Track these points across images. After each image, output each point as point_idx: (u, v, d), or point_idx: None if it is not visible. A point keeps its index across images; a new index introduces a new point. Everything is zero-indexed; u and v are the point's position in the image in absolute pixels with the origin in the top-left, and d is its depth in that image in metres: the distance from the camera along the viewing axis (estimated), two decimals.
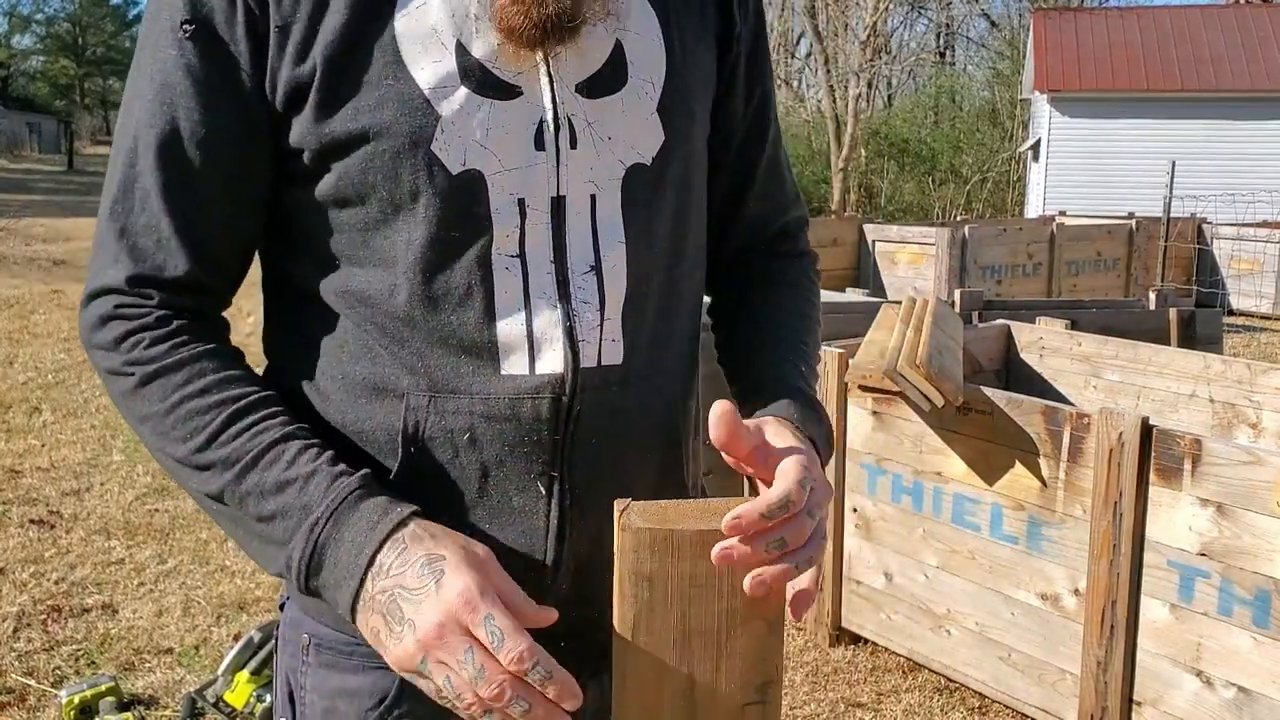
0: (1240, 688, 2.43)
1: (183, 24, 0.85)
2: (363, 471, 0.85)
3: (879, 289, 8.67)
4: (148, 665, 3.21)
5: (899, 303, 3.59)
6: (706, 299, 1.10)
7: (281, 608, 1.03)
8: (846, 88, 22.24)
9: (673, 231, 0.96)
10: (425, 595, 0.77)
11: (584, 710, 0.86)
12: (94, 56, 62.00)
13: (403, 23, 0.86)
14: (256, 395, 0.87)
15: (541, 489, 0.91)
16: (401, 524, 0.81)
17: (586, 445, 0.91)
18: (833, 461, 3.27)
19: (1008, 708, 3.00)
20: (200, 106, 0.86)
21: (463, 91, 0.86)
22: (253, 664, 2.85)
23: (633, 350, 0.92)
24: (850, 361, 3.09)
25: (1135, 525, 2.56)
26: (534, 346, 0.89)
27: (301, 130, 0.86)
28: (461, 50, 0.86)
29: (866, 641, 3.35)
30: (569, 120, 0.89)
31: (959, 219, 17.91)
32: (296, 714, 0.99)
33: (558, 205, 0.89)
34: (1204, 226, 11.13)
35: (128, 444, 5.33)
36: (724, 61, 1.01)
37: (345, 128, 0.85)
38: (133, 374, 0.87)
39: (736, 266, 1.12)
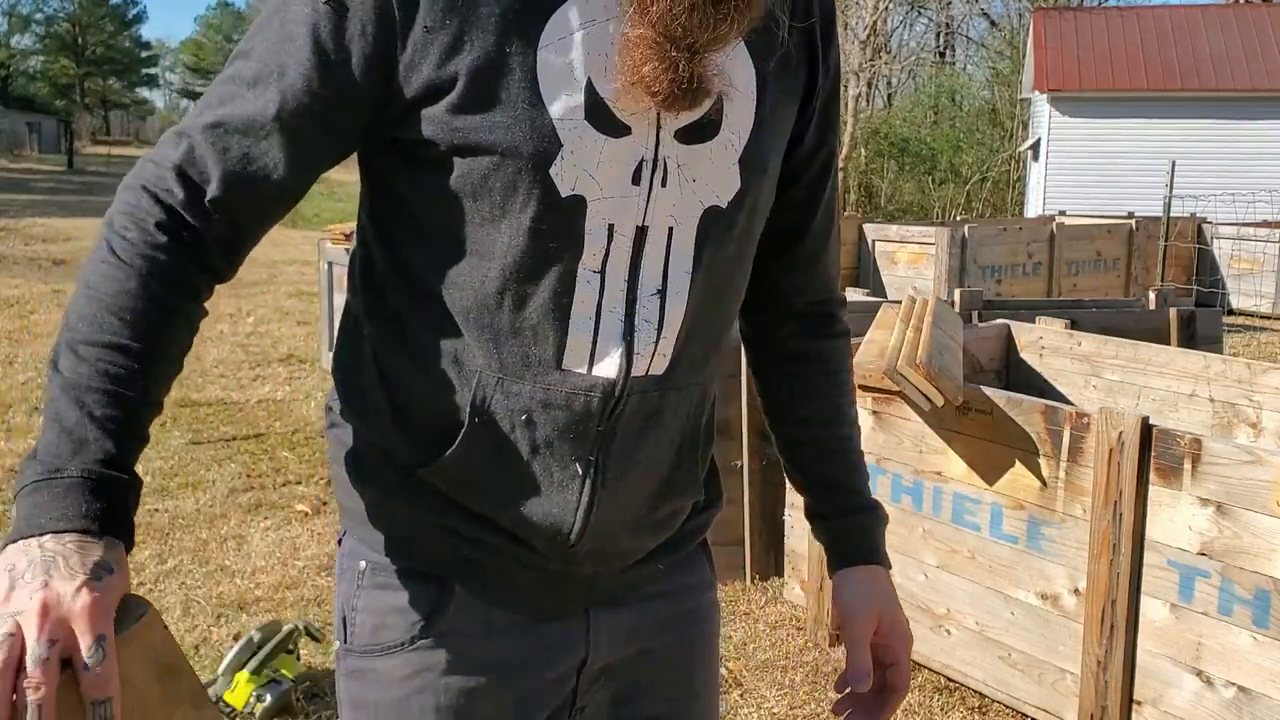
0: (1240, 687, 2.43)
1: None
2: (126, 476, 0.87)
3: (879, 289, 8.67)
4: None
5: (899, 302, 3.59)
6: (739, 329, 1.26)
7: (339, 542, 1.13)
8: (846, 87, 22.23)
9: (730, 269, 1.07)
10: (73, 577, 0.79)
11: (598, 635, 1.11)
12: (94, 56, 62.00)
13: (545, 53, 0.93)
14: (157, 357, 0.91)
15: (579, 469, 1.03)
16: (112, 539, 0.84)
17: (623, 436, 1.03)
18: None
19: (1007, 707, 3.00)
20: (305, 74, 0.92)
21: (585, 125, 0.94)
22: (253, 664, 2.85)
23: (676, 364, 1.04)
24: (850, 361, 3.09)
25: (1135, 525, 2.56)
26: (595, 352, 1.00)
27: (433, 125, 0.93)
28: (590, 88, 0.94)
29: None
30: (664, 161, 0.98)
31: (959, 218, 17.92)
32: (348, 635, 1.09)
33: (640, 234, 0.99)
34: (1204, 226, 11.14)
35: None
36: (802, 115, 1.11)
37: (477, 137, 0.93)
38: (105, 247, 0.92)
39: (791, 339, 1.24)
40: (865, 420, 3.21)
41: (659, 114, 0.97)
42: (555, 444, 1.02)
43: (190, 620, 3.49)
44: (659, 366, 1.02)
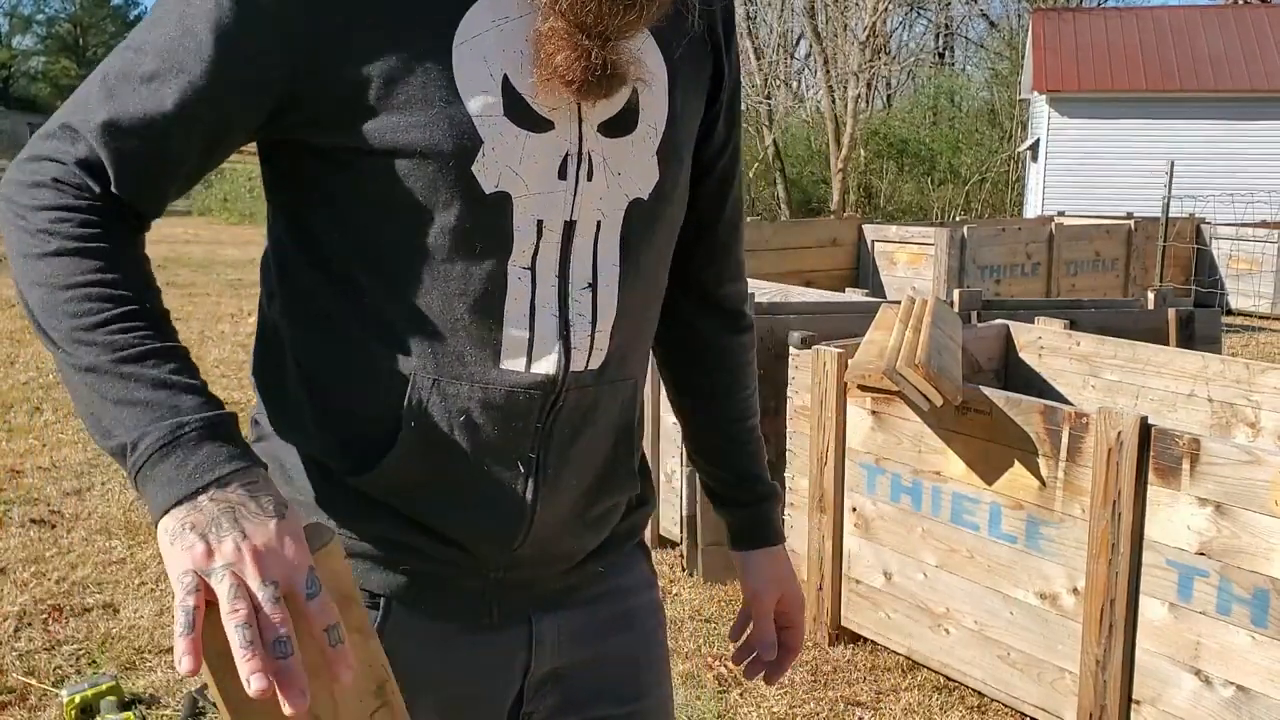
0: (1239, 686, 2.44)
1: None
2: (229, 410, 0.89)
3: (878, 289, 8.67)
4: (149, 664, 3.21)
5: (898, 303, 3.60)
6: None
7: None
8: (846, 88, 22.23)
9: (654, 261, 1.09)
10: (264, 520, 0.82)
11: (541, 640, 1.11)
12: (95, 57, 61.90)
13: (460, 50, 0.93)
14: (160, 311, 0.91)
15: (521, 467, 1.03)
16: (260, 466, 0.86)
17: (562, 433, 1.04)
18: (832, 461, 3.28)
19: (1007, 706, 3.00)
20: (206, 71, 0.90)
21: (504, 122, 0.95)
22: None
23: (610, 357, 1.05)
24: (850, 361, 3.10)
25: (1134, 524, 2.56)
26: (533, 349, 1.00)
27: (350, 127, 0.93)
28: (507, 83, 0.95)
29: (865, 640, 3.36)
30: (589, 155, 0.99)
31: (958, 219, 17.92)
32: None
33: (569, 229, 1.00)
34: (1202, 226, 11.14)
35: None
36: (710, 109, 1.14)
37: (395, 137, 0.92)
38: (47, 243, 0.89)
39: (706, 333, 1.28)
40: (865, 420, 3.22)
41: (580, 107, 0.98)
42: (496, 444, 1.01)
43: None
44: (595, 361, 1.03)
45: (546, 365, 1.00)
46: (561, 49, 0.93)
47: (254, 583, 0.79)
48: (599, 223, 1.01)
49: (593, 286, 1.01)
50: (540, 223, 0.98)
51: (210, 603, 0.79)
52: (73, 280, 0.88)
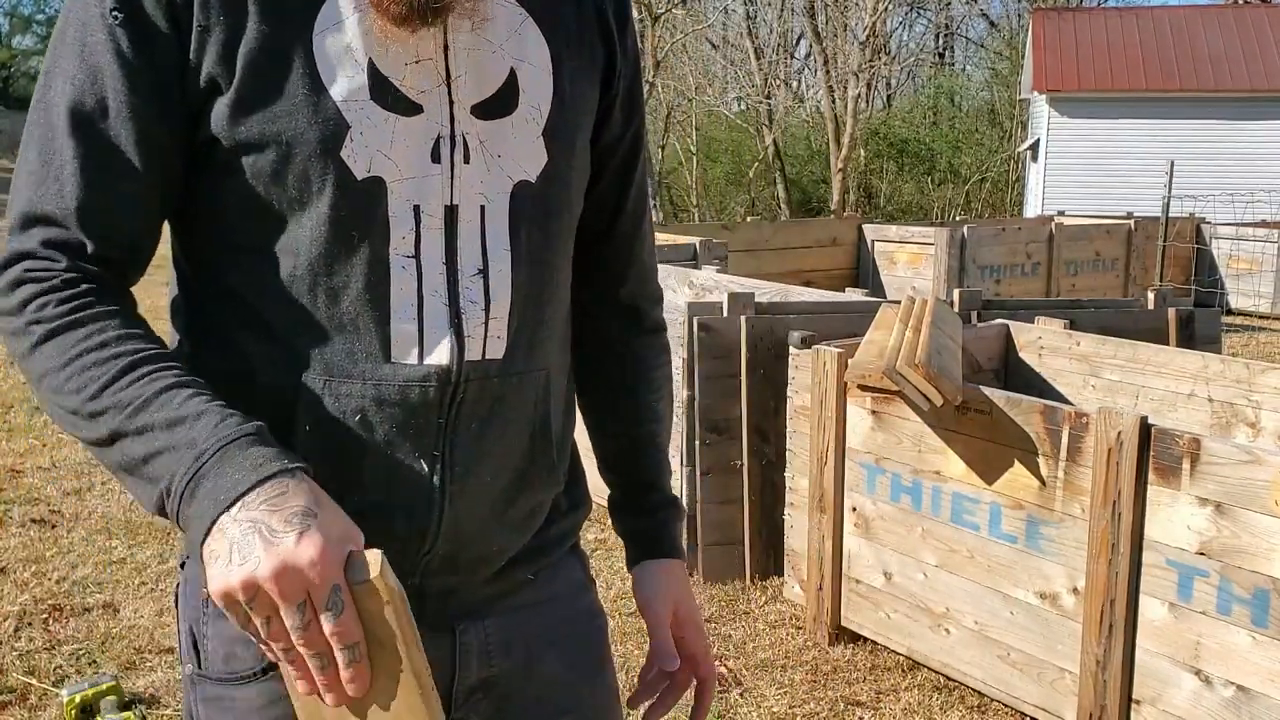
0: (1239, 686, 2.44)
1: (111, 11, 0.91)
2: (258, 421, 0.88)
3: (878, 289, 8.68)
4: (149, 664, 3.21)
5: (898, 302, 3.60)
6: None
7: (182, 566, 1.08)
8: (846, 88, 22.23)
9: (552, 244, 1.06)
10: (284, 541, 0.80)
11: (466, 650, 1.07)
12: None
13: (320, 38, 0.93)
14: (154, 350, 0.91)
15: (425, 466, 0.99)
16: (287, 472, 0.84)
17: (468, 428, 1.00)
18: (832, 460, 3.28)
19: (1007, 706, 3.00)
20: (126, 89, 0.91)
21: (371, 105, 0.94)
22: None
23: (514, 347, 1.02)
24: (849, 361, 3.10)
25: (1134, 524, 2.56)
26: (424, 339, 0.97)
27: (218, 124, 0.92)
28: (372, 67, 0.94)
29: (866, 640, 3.36)
30: (464, 138, 0.98)
31: (958, 219, 17.92)
32: (201, 661, 1.06)
33: (451, 213, 0.98)
34: (1202, 226, 11.15)
35: None
36: (605, 97, 1.12)
37: (260, 129, 0.92)
38: (34, 333, 0.90)
39: (608, 335, 1.24)
40: (865, 420, 3.22)
41: (450, 89, 0.97)
42: (397, 442, 0.98)
43: None
44: (495, 350, 1.00)
45: (440, 356, 0.97)
46: None
47: (283, 610, 0.80)
48: (483, 207, 0.99)
49: (483, 272, 0.99)
50: (417, 208, 0.96)
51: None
52: (67, 357, 0.88)
